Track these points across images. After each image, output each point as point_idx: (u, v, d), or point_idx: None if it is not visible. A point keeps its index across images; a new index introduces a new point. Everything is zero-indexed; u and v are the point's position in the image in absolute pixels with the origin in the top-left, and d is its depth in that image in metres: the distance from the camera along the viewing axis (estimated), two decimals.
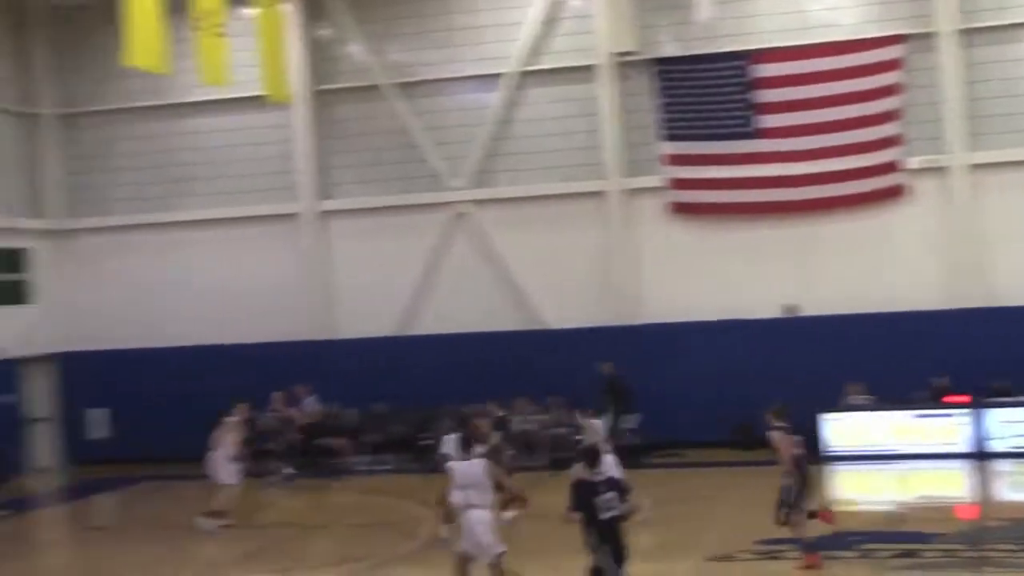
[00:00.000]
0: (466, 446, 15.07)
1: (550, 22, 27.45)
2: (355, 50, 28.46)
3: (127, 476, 26.76)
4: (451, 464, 14.84)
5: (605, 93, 27.08)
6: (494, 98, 27.70)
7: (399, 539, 19.20)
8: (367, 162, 28.47)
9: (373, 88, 28.27)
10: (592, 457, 13.13)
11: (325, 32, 28.67)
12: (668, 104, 26.71)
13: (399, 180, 28.23)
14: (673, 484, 22.50)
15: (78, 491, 26.45)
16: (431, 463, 25.75)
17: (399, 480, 25.05)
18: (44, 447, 27.69)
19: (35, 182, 29.54)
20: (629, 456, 19.01)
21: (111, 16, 27.72)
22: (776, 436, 16.05)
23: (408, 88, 28.12)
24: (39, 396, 28.63)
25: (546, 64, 27.61)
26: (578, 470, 13.71)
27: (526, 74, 27.65)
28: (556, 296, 27.25)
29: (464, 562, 14.32)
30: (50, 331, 29.17)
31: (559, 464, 21.74)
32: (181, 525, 20.94)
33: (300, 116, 28.25)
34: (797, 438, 16.09)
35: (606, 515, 12.53)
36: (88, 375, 28.24)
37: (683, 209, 26.87)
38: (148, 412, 25.94)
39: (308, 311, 28.30)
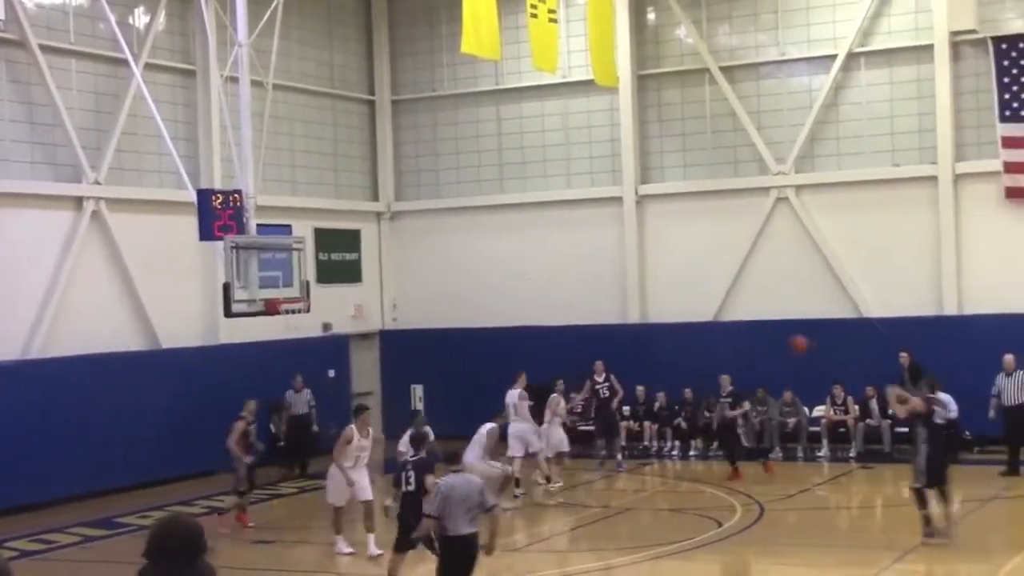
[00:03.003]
0: None
1: (885, 2, 26.31)
2: (680, 34, 28.10)
3: None
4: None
5: (942, 74, 25.68)
6: (821, 81, 26.76)
7: (704, 526, 18.73)
8: (688, 146, 28.05)
9: (696, 72, 27.85)
10: None
11: (651, 16, 28.44)
12: (1007, 84, 25.08)
13: (720, 164, 27.69)
14: None
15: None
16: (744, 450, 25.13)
17: (705, 467, 24.71)
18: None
19: (372, 166, 30.62)
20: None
21: (443, 2, 28.79)
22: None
23: (731, 71, 27.54)
24: (364, 371, 29.54)
25: (879, 45, 26.49)
26: None
27: (855, 56, 26.60)
28: (878, 284, 26.13)
29: None
30: (376, 309, 30.23)
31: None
32: None
33: (625, 101, 28.08)
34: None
35: None
36: (407, 352, 28.92)
37: (1018, 194, 25.12)
38: (458, 391, 26.29)
39: (625, 295, 28.07)
